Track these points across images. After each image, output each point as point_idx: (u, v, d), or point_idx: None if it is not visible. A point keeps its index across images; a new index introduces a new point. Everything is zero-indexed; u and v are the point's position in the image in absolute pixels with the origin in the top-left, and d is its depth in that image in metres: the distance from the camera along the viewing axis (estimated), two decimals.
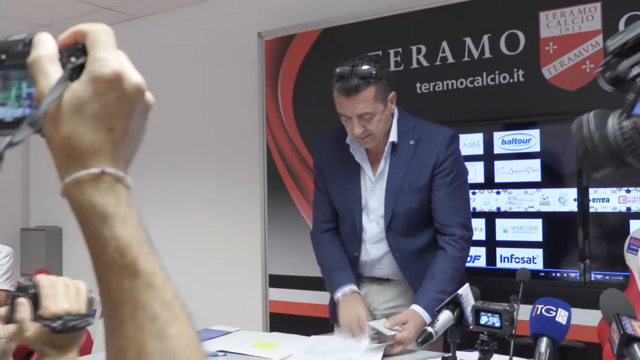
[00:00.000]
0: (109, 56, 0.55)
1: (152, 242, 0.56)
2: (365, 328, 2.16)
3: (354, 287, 2.34)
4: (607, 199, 2.84)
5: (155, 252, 0.56)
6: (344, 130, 2.37)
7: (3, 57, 0.57)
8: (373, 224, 2.40)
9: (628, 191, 2.79)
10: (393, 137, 2.34)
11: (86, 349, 3.40)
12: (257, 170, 3.94)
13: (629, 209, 2.78)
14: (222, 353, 2.15)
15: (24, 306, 1.12)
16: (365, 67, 2.20)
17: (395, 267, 2.39)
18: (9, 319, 1.12)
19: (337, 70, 2.26)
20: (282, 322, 3.60)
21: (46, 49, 0.55)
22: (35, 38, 0.56)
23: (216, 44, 4.17)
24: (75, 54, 0.56)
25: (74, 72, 0.54)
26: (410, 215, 2.34)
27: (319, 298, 3.15)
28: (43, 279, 1.14)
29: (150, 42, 4.27)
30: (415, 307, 2.19)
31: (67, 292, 1.15)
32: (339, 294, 2.34)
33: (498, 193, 3.12)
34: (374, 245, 2.40)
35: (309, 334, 2.38)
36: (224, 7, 4.14)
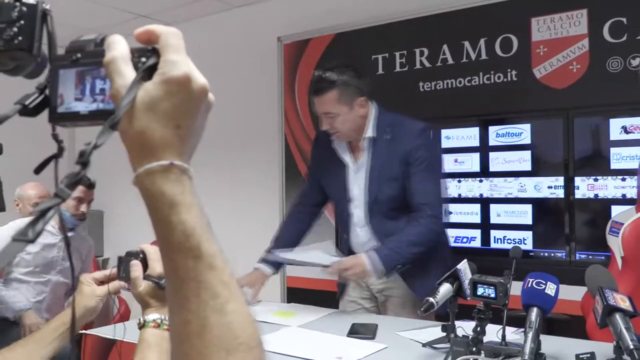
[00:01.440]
0: (180, 59, 0.55)
1: (211, 227, 0.56)
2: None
3: (266, 267, 2.40)
4: (591, 187, 2.82)
5: (214, 236, 0.56)
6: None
7: (78, 55, 0.57)
8: (358, 209, 2.41)
9: (596, 180, 2.80)
10: (369, 132, 2.34)
11: (125, 316, 3.43)
12: (276, 161, 3.94)
13: (606, 195, 2.77)
14: None
15: (137, 266, 1.21)
16: (329, 73, 2.27)
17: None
18: (126, 277, 1.23)
19: (314, 74, 2.36)
20: (298, 295, 3.60)
21: (120, 50, 0.55)
22: (109, 39, 0.56)
23: (240, 47, 4.16)
24: (145, 55, 0.55)
25: (145, 72, 0.54)
26: (389, 202, 2.34)
27: None
28: (147, 247, 1.24)
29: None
30: (362, 255, 2.22)
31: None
32: (254, 266, 2.43)
33: (491, 181, 3.10)
34: (361, 229, 2.42)
35: (322, 306, 2.42)
36: (247, 15, 4.12)
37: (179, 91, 0.54)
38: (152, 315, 1.15)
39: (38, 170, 0.58)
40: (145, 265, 1.23)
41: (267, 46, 3.93)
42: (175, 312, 0.55)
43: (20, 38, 0.55)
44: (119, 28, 4.33)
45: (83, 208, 3.13)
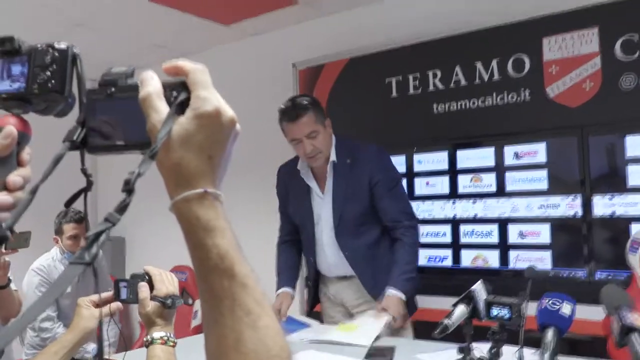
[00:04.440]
0: (209, 94, 0.60)
1: (242, 249, 0.60)
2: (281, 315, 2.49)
3: (286, 289, 2.61)
4: (609, 205, 2.81)
5: (245, 257, 0.60)
6: (296, 161, 2.67)
7: (113, 89, 0.62)
8: (326, 230, 2.60)
9: (612, 197, 2.81)
10: (333, 157, 2.55)
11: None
12: None
13: (625, 213, 2.76)
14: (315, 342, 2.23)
15: (145, 288, 1.30)
16: (299, 99, 2.54)
17: (347, 264, 2.58)
18: (134, 298, 1.31)
19: (281, 107, 2.55)
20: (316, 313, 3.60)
21: (154, 87, 0.60)
22: (143, 76, 0.61)
23: (256, 73, 4.24)
24: (176, 89, 0.60)
25: (178, 107, 0.59)
26: (355, 219, 2.53)
27: None
28: (152, 269, 1.34)
29: None
30: (390, 291, 2.38)
31: (170, 279, 1.35)
32: (276, 293, 2.62)
33: (508, 200, 3.10)
34: (329, 248, 2.60)
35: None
36: (263, 42, 4.21)
37: (211, 125, 0.59)
38: (159, 333, 1.23)
39: (68, 203, 0.62)
40: (150, 286, 1.30)
41: (282, 72, 4.00)
42: (212, 328, 0.59)
43: (53, 82, 0.60)
44: (135, 58, 4.47)
45: (82, 244, 3.18)
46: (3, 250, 2.34)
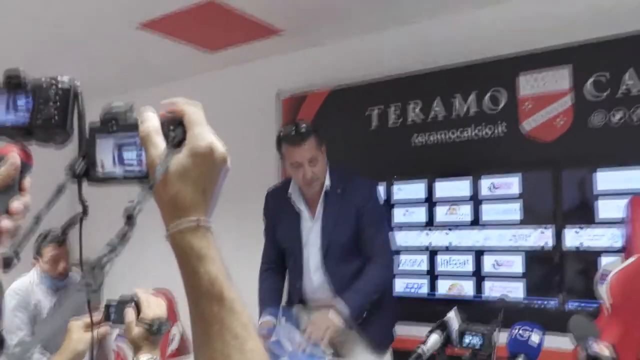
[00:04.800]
0: (204, 133, 0.66)
1: (230, 276, 0.65)
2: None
3: (269, 317, 2.55)
4: (579, 237, 2.90)
5: (233, 283, 0.65)
6: (285, 186, 2.73)
7: (114, 126, 0.67)
8: (313, 255, 2.64)
9: (580, 229, 2.90)
10: (327, 183, 2.61)
11: None
12: None
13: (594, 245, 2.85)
14: None
15: (130, 312, 1.32)
16: (302, 124, 2.58)
17: (328, 293, 2.58)
18: (118, 321, 1.34)
19: (283, 131, 2.62)
20: None
21: (153, 124, 0.66)
22: (143, 114, 0.67)
23: (240, 101, 4.30)
24: (172, 124, 0.66)
25: (175, 144, 0.65)
26: (342, 246, 2.59)
27: None
28: (140, 294, 1.36)
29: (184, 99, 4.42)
30: (326, 312, 2.39)
31: (156, 303, 1.37)
32: (259, 321, 2.56)
33: (482, 230, 3.18)
34: (315, 273, 2.64)
35: None
36: (246, 70, 4.27)
37: (205, 161, 0.65)
38: (145, 356, 1.25)
39: (64, 229, 0.67)
40: (137, 310, 1.33)
41: (266, 101, 4.07)
42: (202, 351, 0.63)
43: (56, 117, 0.65)
44: (122, 79, 4.52)
45: (60, 267, 3.13)
46: None
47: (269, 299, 2.68)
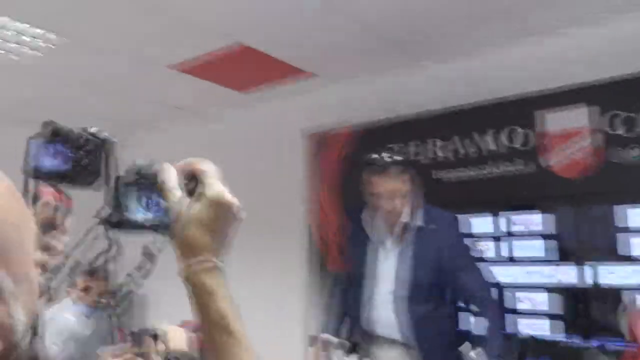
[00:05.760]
0: (218, 186, 0.76)
1: (239, 311, 0.74)
2: None
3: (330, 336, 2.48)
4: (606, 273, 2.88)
5: (240, 317, 0.74)
6: (364, 212, 2.60)
7: (138, 177, 0.77)
8: (388, 290, 2.52)
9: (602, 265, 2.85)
10: (418, 220, 2.50)
11: None
12: (300, 247, 4.10)
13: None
14: None
15: (149, 343, 1.40)
16: (398, 157, 2.53)
17: (397, 328, 2.49)
18: (139, 353, 1.40)
19: (377, 157, 2.49)
20: None
21: (170, 176, 0.76)
22: (163, 167, 0.76)
23: (265, 138, 4.40)
24: (189, 177, 0.77)
25: (192, 195, 0.75)
26: (425, 287, 2.45)
27: None
28: (162, 325, 1.44)
29: (213, 136, 4.58)
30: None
31: (177, 335, 1.45)
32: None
33: (504, 266, 3.18)
34: (385, 308, 2.52)
35: None
36: (274, 109, 4.38)
37: (217, 208, 0.75)
38: None
39: (92, 264, 0.75)
40: (156, 341, 1.41)
41: (291, 138, 4.18)
42: None
43: (94, 166, 0.74)
44: (153, 119, 4.70)
45: (90, 297, 3.25)
46: None
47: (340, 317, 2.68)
